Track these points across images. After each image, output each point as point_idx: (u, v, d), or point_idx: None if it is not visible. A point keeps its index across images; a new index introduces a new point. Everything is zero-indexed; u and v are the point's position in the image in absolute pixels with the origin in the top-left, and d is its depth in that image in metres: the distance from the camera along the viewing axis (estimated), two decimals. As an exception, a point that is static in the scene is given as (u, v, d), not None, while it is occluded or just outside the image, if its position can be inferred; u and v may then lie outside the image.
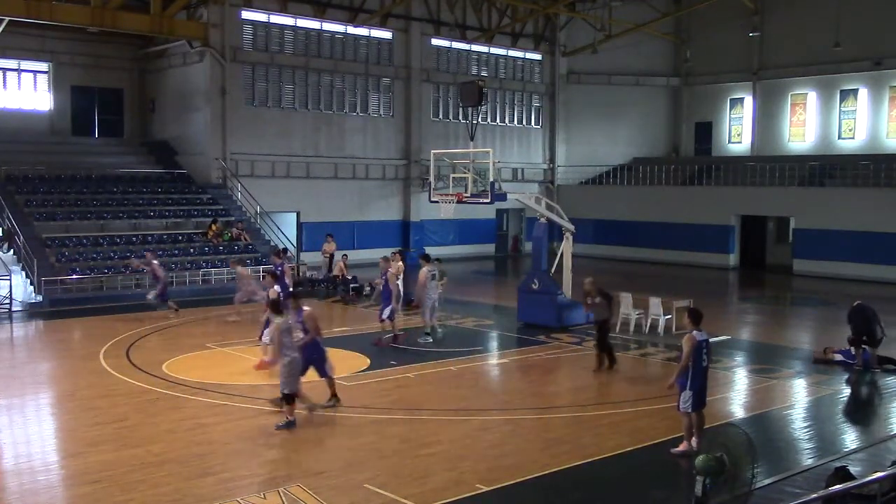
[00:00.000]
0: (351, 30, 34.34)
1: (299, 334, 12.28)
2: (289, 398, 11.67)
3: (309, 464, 10.37)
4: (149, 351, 17.04)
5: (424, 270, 18.56)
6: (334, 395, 12.76)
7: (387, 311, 17.77)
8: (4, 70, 31.17)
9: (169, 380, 14.48)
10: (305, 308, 12.90)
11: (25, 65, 31.50)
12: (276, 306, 12.41)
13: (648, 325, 19.46)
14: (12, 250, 24.43)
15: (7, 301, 21.76)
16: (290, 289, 19.02)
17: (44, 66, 31.72)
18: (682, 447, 10.70)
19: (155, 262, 21.26)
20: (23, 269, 23.64)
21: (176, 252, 26.56)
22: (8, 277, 22.40)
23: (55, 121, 32.00)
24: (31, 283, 23.04)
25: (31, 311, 21.97)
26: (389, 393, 14.01)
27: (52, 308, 21.96)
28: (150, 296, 20.79)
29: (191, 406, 12.98)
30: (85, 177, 28.91)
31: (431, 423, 12.26)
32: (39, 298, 22.51)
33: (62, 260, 23.92)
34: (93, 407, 12.90)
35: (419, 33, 36.29)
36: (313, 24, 33.39)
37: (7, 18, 26.87)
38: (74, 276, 23.34)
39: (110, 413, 12.55)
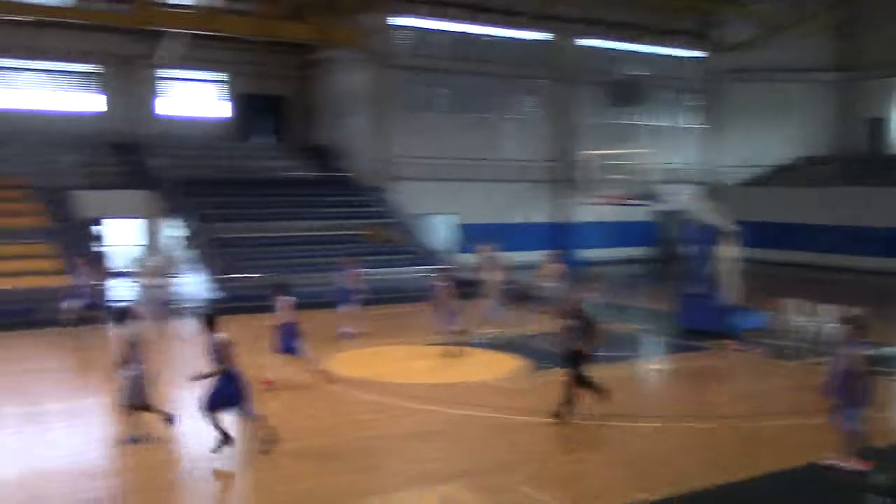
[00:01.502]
0: (502, 32, 34.60)
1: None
2: (143, 408, 11.06)
3: (462, 464, 10.55)
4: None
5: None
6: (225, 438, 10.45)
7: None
8: (187, 81, 33.55)
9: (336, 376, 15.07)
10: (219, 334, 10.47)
11: (203, 75, 33.85)
12: (121, 315, 11.30)
13: (820, 334, 18.45)
14: (193, 250, 26.08)
15: (190, 297, 23.18)
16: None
17: (220, 77, 33.94)
18: (853, 464, 10.17)
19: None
20: (201, 268, 25.17)
21: (338, 253, 27.52)
22: (190, 275, 23.92)
23: (229, 128, 34.13)
24: (209, 281, 24.54)
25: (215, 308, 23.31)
26: (546, 396, 14.00)
27: (229, 304, 23.11)
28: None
29: (349, 401, 13.53)
30: (254, 181, 30.63)
31: (591, 427, 12.17)
32: (219, 295, 23.72)
33: (236, 259, 25.28)
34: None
35: (571, 33, 36.07)
36: (466, 28, 33.92)
37: (184, 31, 28.79)
38: (246, 275, 24.61)
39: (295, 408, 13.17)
